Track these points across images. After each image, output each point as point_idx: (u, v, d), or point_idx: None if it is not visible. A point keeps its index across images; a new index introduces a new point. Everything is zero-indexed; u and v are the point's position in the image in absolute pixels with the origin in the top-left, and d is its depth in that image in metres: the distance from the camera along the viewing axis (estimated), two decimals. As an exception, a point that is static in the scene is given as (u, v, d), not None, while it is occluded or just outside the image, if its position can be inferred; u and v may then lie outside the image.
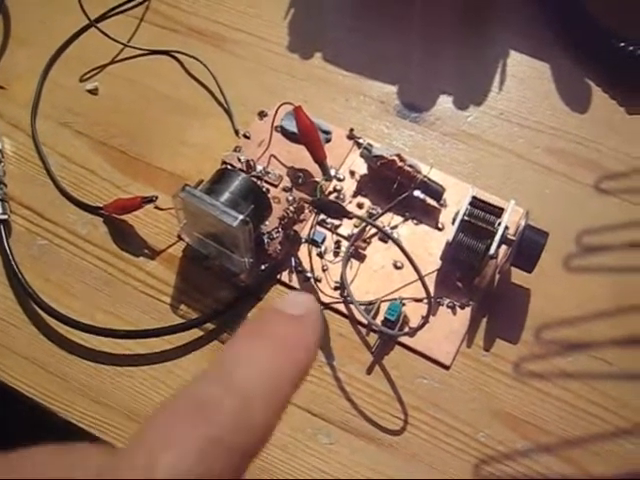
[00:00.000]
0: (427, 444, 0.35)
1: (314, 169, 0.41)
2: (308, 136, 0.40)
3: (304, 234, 0.40)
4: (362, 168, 0.42)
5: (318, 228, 0.40)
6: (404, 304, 0.38)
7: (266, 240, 0.40)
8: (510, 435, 0.35)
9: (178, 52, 0.48)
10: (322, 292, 0.39)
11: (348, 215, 0.36)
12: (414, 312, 0.38)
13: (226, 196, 0.37)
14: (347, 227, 0.40)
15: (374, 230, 0.40)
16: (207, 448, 0.13)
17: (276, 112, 0.42)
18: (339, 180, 0.42)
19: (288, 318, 0.15)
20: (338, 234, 0.40)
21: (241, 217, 0.35)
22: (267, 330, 0.15)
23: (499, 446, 0.35)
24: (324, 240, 0.40)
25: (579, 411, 0.36)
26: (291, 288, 0.39)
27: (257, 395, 0.13)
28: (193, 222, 0.38)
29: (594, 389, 0.36)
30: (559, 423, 0.35)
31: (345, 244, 0.40)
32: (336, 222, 0.40)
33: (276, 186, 0.42)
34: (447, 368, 0.37)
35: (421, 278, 0.34)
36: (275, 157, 0.43)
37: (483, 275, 0.38)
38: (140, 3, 0.50)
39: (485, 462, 0.35)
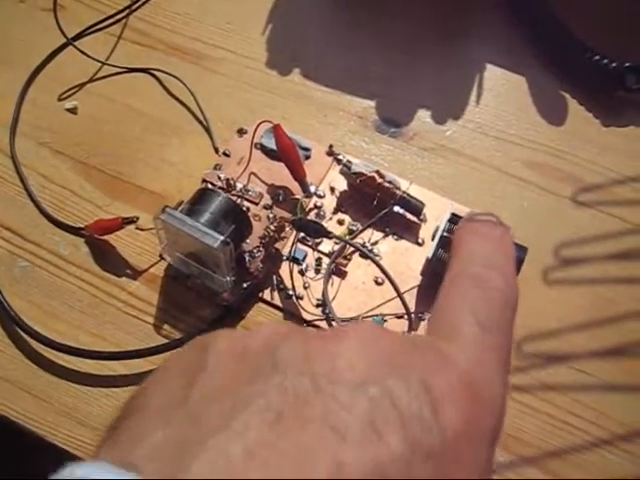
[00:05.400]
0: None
1: (294, 186, 0.42)
2: (288, 155, 0.40)
3: (285, 252, 0.40)
4: (342, 184, 0.42)
5: (299, 246, 0.40)
6: (386, 320, 0.38)
7: (247, 259, 0.40)
8: (492, 448, 0.36)
9: (157, 70, 0.48)
10: (304, 309, 0.39)
11: (328, 235, 0.37)
12: (395, 328, 0.38)
13: (206, 217, 0.37)
14: (328, 244, 0.40)
15: (355, 246, 0.40)
16: (499, 301, 0.17)
17: (255, 130, 0.42)
18: (319, 197, 0.42)
19: (492, 224, 0.20)
20: (319, 251, 0.40)
21: (221, 238, 0.35)
22: (483, 232, 0.20)
23: (482, 459, 0.35)
24: (305, 257, 0.40)
25: (560, 423, 0.36)
26: (273, 306, 0.39)
27: (508, 273, 0.18)
28: (174, 242, 0.38)
29: (574, 401, 0.36)
30: (540, 435, 0.36)
31: (326, 261, 0.40)
32: (317, 240, 0.40)
33: (256, 204, 0.42)
34: (429, 383, 0.37)
35: (400, 296, 0.34)
36: (255, 175, 0.43)
37: (463, 289, 0.39)
38: (118, 21, 0.50)
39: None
